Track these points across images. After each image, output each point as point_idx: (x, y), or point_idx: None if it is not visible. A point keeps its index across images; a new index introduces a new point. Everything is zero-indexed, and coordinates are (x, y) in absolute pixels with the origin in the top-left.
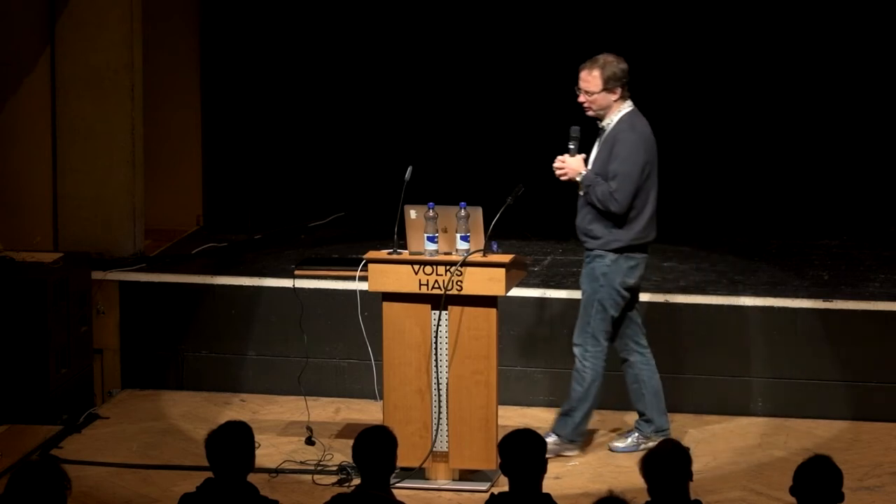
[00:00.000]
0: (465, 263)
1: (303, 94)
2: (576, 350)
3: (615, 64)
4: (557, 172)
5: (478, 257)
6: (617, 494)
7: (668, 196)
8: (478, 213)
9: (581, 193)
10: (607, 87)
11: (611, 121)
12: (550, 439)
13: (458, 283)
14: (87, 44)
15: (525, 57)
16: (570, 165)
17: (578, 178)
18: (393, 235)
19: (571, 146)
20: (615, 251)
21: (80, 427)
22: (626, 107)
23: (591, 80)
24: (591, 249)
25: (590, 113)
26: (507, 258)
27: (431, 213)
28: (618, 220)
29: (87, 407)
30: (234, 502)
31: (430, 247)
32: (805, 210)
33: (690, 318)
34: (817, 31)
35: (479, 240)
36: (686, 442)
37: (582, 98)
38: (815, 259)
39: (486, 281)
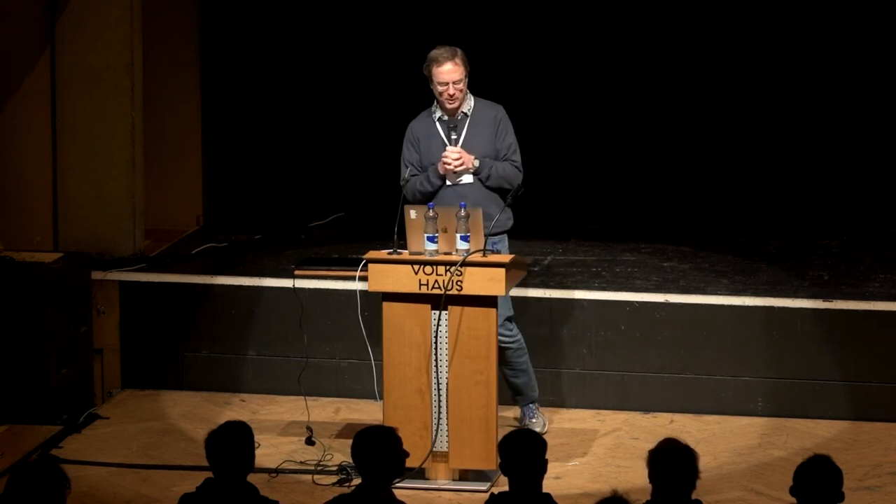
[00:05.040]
0: (465, 263)
1: (303, 94)
2: (509, 332)
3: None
4: (456, 164)
5: (478, 257)
6: (620, 494)
7: (668, 196)
8: (478, 214)
9: (470, 180)
10: (467, 73)
11: (470, 105)
12: (535, 419)
13: (458, 283)
14: (87, 44)
15: (523, 58)
16: (464, 154)
17: (477, 164)
18: (393, 235)
19: (454, 136)
20: (508, 231)
21: (80, 427)
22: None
23: (458, 70)
24: (491, 234)
25: (456, 104)
26: (507, 258)
27: (431, 213)
28: (503, 199)
29: (87, 407)
30: (234, 502)
31: (430, 247)
32: (805, 210)
33: (690, 318)
34: (817, 31)
35: (479, 240)
36: (686, 442)
37: (454, 91)
38: (815, 259)
39: (485, 281)
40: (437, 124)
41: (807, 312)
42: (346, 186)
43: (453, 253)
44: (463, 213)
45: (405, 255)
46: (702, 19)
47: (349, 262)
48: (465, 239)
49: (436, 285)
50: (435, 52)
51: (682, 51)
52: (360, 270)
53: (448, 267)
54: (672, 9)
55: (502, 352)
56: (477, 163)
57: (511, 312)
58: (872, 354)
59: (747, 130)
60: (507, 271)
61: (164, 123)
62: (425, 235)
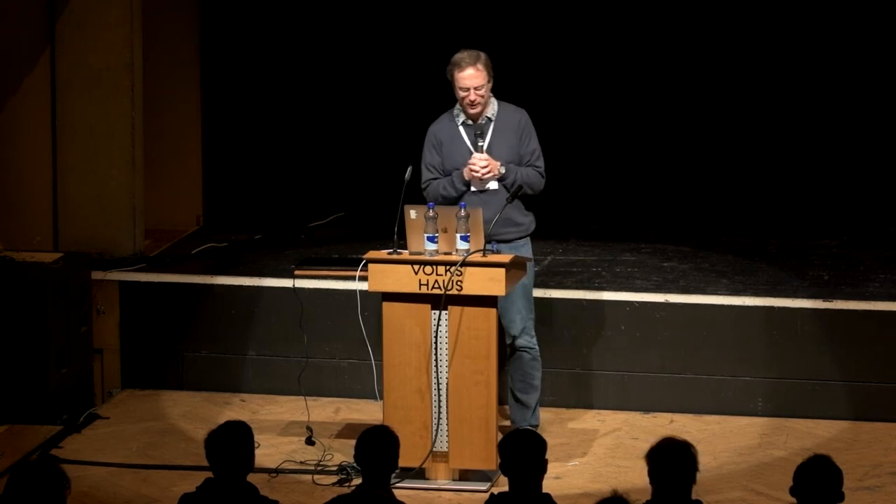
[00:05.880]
0: (465, 263)
1: (303, 94)
2: (530, 340)
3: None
4: (484, 171)
5: (478, 257)
6: (620, 494)
7: (668, 196)
8: (478, 213)
9: (496, 186)
10: (490, 78)
11: (493, 110)
12: None
13: (458, 283)
14: (87, 44)
15: (521, 59)
16: (491, 161)
17: (503, 170)
18: (393, 235)
19: (481, 143)
20: (530, 234)
21: (80, 427)
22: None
23: (480, 75)
24: (513, 239)
25: (477, 110)
26: (507, 258)
27: (431, 213)
28: (527, 203)
29: (87, 407)
30: (234, 502)
31: (430, 247)
32: (805, 210)
33: (690, 318)
34: (817, 31)
35: (479, 240)
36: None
37: (475, 97)
38: (815, 259)
39: (486, 281)
40: (461, 129)
41: (807, 312)
42: (346, 186)
43: (453, 253)
44: (463, 213)
45: (405, 255)
46: (702, 20)
47: (349, 262)
48: (465, 239)
49: (436, 285)
50: (458, 56)
51: (682, 51)
52: (360, 270)
53: (448, 267)
54: (671, 9)
55: (519, 357)
56: (503, 169)
57: (533, 315)
58: (872, 354)
59: (747, 130)
60: (507, 271)
61: (164, 123)
62: (425, 235)
